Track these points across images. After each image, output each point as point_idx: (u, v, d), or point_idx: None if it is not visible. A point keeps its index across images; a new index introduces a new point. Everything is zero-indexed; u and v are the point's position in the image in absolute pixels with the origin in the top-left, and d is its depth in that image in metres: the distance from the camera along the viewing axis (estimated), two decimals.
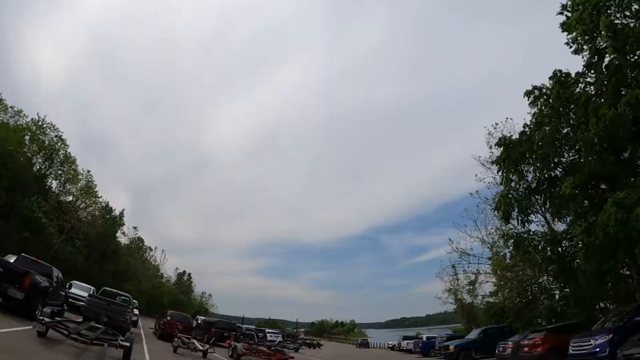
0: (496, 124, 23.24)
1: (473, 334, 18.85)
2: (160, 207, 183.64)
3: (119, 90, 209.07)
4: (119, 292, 19.76)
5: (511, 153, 16.47)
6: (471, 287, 30.74)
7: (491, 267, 28.58)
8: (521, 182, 17.41)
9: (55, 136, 39.04)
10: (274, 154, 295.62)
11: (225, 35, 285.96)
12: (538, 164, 16.63)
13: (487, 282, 29.48)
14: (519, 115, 19.76)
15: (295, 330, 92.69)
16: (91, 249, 41.99)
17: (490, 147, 21.99)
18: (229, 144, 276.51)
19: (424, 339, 31.39)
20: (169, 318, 20.04)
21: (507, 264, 24.00)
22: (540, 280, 22.40)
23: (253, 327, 35.15)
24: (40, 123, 37.69)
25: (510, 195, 16.91)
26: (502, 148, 17.24)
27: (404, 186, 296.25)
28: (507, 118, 22.68)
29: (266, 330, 34.64)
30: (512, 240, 18.38)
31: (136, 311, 24.31)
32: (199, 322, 28.96)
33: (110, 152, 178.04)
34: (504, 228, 22.09)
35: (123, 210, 48.01)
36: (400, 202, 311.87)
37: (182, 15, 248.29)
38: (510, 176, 17.16)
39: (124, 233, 50.46)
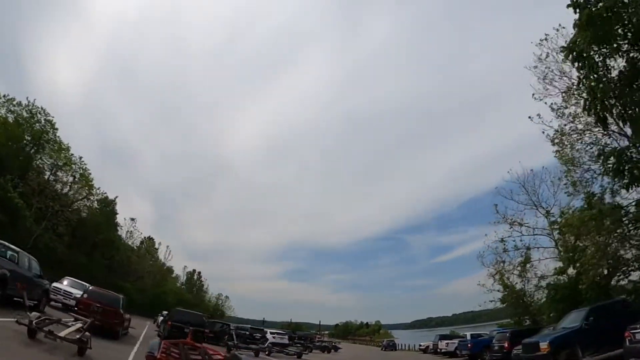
0: (546, 36, 16.91)
1: (573, 320, 11.96)
2: (181, 214, 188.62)
3: (135, 101, 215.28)
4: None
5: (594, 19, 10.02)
6: (522, 267, 24.31)
7: (553, 236, 22.52)
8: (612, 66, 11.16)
9: (45, 120, 36.18)
10: (291, 157, 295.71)
11: (236, 41, 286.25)
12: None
13: (547, 258, 23.20)
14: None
15: (317, 332, 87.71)
16: (79, 239, 37.77)
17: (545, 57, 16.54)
18: (245, 148, 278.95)
19: (468, 337, 25.39)
20: (86, 296, 13.68)
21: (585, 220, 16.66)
22: None
23: (249, 326, 29.84)
24: (30, 107, 35.18)
25: (602, 85, 10.64)
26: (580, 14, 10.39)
27: (424, 184, 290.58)
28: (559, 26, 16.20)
29: (269, 331, 29.27)
30: (610, 159, 11.60)
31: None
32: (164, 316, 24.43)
33: (130, 162, 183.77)
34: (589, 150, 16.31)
35: (116, 197, 43.48)
36: (421, 200, 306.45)
37: (193, 24, 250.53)
38: (596, 59, 10.78)
39: (118, 224, 45.91)
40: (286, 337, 29.83)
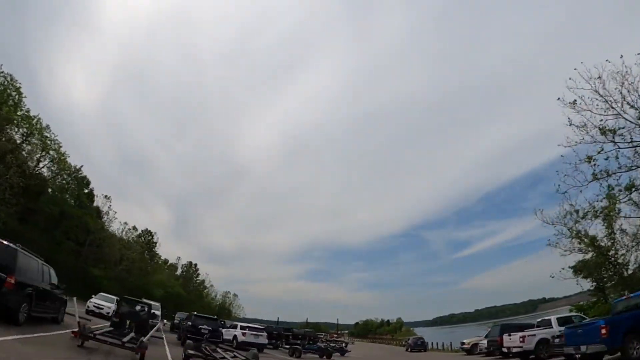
0: None
1: None
2: (201, 219, 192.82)
3: (151, 109, 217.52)
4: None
5: None
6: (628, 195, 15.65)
7: None
8: None
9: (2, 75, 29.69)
10: (307, 158, 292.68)
11: (247, 46, 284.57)
12: None
13: None
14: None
15: (335, 332, 79.59)
16: (35, 212, 30.41)
17: None
18: (261, 151, 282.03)
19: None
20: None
21: None
22: None
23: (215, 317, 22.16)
24: None
25: None
26: None
27: (440, 180, 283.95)
28: None
29: (239, 324, 23.36)
30: None
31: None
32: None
33: (149, 171, 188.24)
34: None
35: (81, 166, 35.94)
36: (438, 196, 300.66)
37: (203, 30, 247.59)
38: None
39: (89, 199, 38.44)
40: (263, 333, 22.83)
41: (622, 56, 13.85)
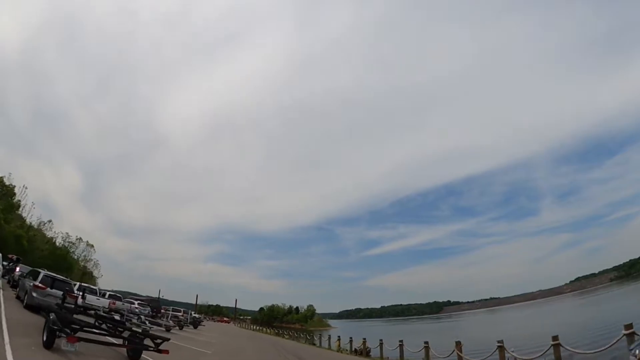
0: None
1: None
2: (112, 188, 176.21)
3: (77, 64, 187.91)
4: None
5: None
6: None
7: None
8: None
9: None
10: (230, 138, 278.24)
11: (189, 13, 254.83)
12: None
13: None
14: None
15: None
16: None
17: None
18: (185, 124, 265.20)
19: None
20: None
21: None
22: None
23: None
24: None
25: None
26: None
27: (360, 179, 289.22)
28: None
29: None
30: None
31: None
32: None
33: (63, 127, 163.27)
34: None
35: None
36: (355, 194, 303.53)
37: None
38: None
39: None
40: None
41: None
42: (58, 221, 73.96)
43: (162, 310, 30.20)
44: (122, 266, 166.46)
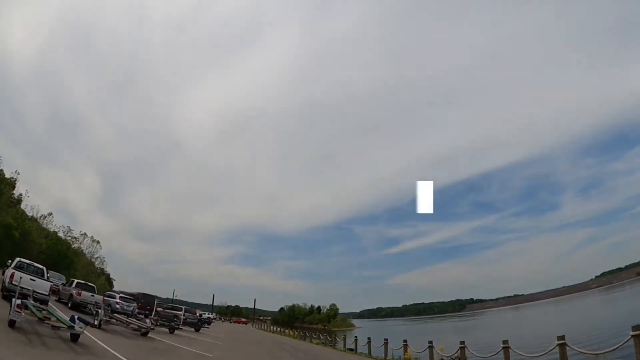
0: None
1: None
2: (131, 193, 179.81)
3: (91, 70, 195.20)
4: None
5: None
6: None
7: None
8: None
9: None
10: (246, 139, 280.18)
11: (201, 15, 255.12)
12: None
13: None
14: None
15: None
16: None
17: None
18: (200, 127, 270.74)
19: None
20: None
21: None
22: None
23: None
24: None
25: None
26: None
27: (378, 176, 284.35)
28: None
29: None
30: None
31: None
32: None
33: (81, 133, 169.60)
34: None
35: None
36: (373, 192, 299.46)
37: None
38: None
39: None
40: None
41: None
42: (78, 227, 73.49)
43: (159, 309, 27.38)
44: (143, 270, 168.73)
